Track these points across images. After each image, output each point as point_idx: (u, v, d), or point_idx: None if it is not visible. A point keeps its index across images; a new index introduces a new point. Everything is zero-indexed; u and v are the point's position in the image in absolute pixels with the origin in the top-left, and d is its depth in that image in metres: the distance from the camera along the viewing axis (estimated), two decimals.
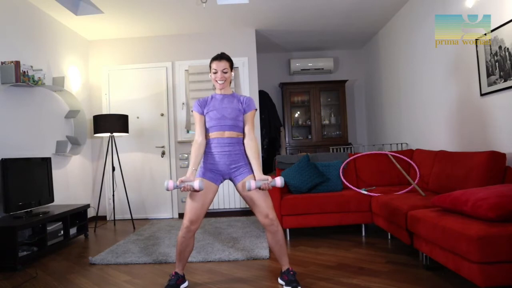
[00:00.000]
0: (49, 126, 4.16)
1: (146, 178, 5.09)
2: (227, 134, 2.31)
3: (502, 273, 1.83)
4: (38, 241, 3.20)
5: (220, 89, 2.38)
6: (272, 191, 3.27)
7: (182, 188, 2.14)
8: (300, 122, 6.23)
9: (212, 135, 2.33)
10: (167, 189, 2.11)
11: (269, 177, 2.17)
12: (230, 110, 2.32)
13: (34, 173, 3.56)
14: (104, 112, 5.09)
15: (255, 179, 2.22)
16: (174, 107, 5.11)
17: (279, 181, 2.11)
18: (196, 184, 2.11)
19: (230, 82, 2.45)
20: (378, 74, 5.68)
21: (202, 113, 2.35)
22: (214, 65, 2.34)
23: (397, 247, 3.08)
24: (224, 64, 2.33)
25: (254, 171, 2.26)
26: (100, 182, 4.86)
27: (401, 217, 2.69)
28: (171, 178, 5.05)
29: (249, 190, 2.13)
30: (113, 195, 4.76)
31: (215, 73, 2.34)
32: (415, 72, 4.36)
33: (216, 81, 2.35)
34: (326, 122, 6.20)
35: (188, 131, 5.10)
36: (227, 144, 2.30)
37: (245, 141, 2.33)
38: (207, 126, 2.34)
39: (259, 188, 2.16)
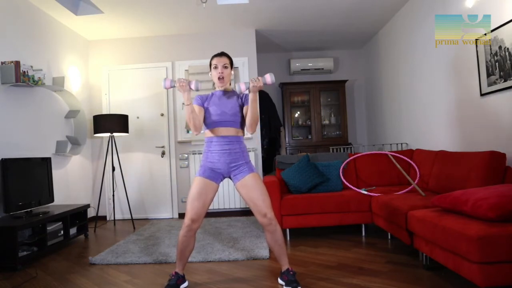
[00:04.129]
0: (49, 126, 4.16)
1: (146, 178, 5.09)
2: (227, 131, 2.31)
3: (502, 273, 1.83)
4: (38, 241, 3.20)
5: (220, 86, 2.39)
6: (272, 190, 3.27)
7: (177, 84, 2.19)
8: (300, 122, 6.23)
9: (212, 132, 2.33)
10: (165, 87, 2.23)
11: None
12: (230, 106, 2.33)
13: (34, 173, 3.56)
14: (104, 112, 5.09)
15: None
16: (174, 107, 5.11)
17: (269, 77, 2.13)
18: (193, 82, 2.19)
19: (230, 83, 2.46)
20: (378, 74, 5.68)
21: (202, 105, 2.36)
22: (215, 60, 2.37)
23: (397, 247, 3.08)
24: (224, 60, 2.36)
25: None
26: (100, 182, 4.86)
27: (401, 217, 2.69)
28: (171, 179, 5.05)
29: (240, 92, 2.21)
30: (113, 195, 4.76)
31: (215, 68, 2.35)
32: (415, 72, 4.36)
33: (217, 77, 2.35)
34: (326, 122, 6.20)
35: (188, 131, 5.09)
36: (226, 143, 2.30)
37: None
38: (207, 122, 2.34)
39: (249, 90, 2.18)
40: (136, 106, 5.11)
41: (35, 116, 3.91)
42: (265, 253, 3.00)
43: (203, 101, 2.37)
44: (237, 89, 2.21)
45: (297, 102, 6.19)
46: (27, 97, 3.77)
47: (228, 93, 2.40)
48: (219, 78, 2.35)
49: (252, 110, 2.25)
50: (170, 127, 5.09)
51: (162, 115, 5.12)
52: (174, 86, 2.24)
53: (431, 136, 4.02)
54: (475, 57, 3.15)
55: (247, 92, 2.25)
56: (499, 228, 1.86)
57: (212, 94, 2.41)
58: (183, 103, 5.06)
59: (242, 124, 2.38)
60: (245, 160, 2.33)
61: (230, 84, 2.48)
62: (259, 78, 2.16)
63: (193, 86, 2.21)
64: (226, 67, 2.35)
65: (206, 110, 2.35)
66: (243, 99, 2.37)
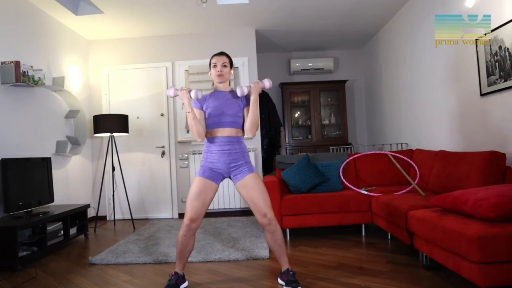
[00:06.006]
0: (49, 126, 4.16)
1: (146, 178, 5.09)
2: (227, 132, 2.31)
3: (502, 273, 1.83)
4: (38, 241, 3.20)
5: (219, 83, 2.39)
6: (272, 190, 3.27)
7: (179, 92, 2.29)
8: (300, 122, 6.23)
9: (212, 132, 2.33)
10: (169, 96, 2.44)
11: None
12: (230, 106, 2.33)
13: (34, 173, 3.56)
14: (104, 112, 5.09)
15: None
16: (174, 107, 5.11)
17: (267, 81, 2.31)
18: (193, 91, 2.29)
19: (230, 82, 2.46)
20: (378, 74, 5.68)
21: (201, 108, 2.36)
22: (214, 59, 2.38)
23: (397, 247, 3.08)
24: (224, 59, 2.37)
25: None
26: (100, 182, 4.86)
27: (401, 217, 2.69)
28: (171, 179, 5.05)
29: (242, 95, 2.29)
30: (113, 195, 4.76)
31: (214, 66, 2.36)
32: (415, 72, 4.36)
33: (216, 75, 2.36)
34: (326, 122, 6.20)
35: (188, 131, 5.09)
36: (226, 143, 2.30)
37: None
38: (207, 123, 2.35)
39: (248, 94, 2.30)
40: (136, 106, 5.11)
41: (35, 116, 3.91)
42: (265, 253, 3.00)
43: (202, 103, 2.37)
44: (239, 92, 2.27)
45: (297, 102, 6.19)
46: (27, 97, 3.77)
47: (227, 93, 2.39)
48: (218, 76, 2.36)
49: (252, 111, 2.29)
50: (170, 127, 5.09)
51: (162, 115, 5.12)
52: (178, 95, 2.33)
53: (431, 136, 4.02)
54: (475, 57, 3.15)
55: (248, 93, 2.32)
56: (499, 228, 1.86)
57: (211, 94, 2.41)
58: (183, 103, 5.07)
59: (242, 125, 2.37)
60: (245, 160, 2.33)
61: (229, 84, 2.48)
62: (259, 81, 2.33)
63: (192, 95, 2.29)
64: (225, 66, 2.36)
65: (206, 111, 2.35)
66: (243, 99, 2.37)
